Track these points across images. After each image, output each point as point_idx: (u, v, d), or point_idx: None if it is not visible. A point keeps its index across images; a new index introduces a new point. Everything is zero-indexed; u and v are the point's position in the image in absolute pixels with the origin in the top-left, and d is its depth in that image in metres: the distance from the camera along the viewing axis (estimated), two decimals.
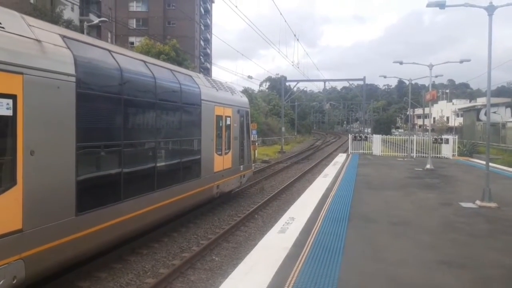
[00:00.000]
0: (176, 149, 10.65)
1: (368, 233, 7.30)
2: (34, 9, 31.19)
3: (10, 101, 5.48)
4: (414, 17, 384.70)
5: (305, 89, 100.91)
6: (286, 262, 5.56)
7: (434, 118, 76.91)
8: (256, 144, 31.43)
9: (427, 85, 24.46)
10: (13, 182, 5.52)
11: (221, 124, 13.44)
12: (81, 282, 7.35)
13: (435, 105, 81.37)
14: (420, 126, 70.82)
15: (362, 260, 5.87)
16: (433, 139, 24.39)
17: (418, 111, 76.92)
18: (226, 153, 13.85)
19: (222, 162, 13.40)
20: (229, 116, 14.20)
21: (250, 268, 5.35)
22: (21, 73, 5.62)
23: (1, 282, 5.29)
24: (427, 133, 25.14)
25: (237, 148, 15.02)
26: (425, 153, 23.49)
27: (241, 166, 15.42)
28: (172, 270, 7.93)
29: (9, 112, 5.47)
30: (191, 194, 11.02)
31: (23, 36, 5.90)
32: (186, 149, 11.21)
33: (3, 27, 5.63)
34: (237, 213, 13.43)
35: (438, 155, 24.34)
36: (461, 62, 21.85)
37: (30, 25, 6.25)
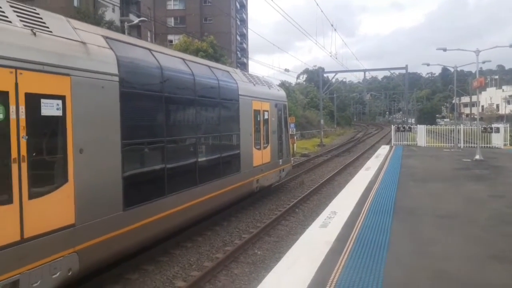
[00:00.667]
0: (216, 144, 10.80)
1: (414, 227, 7.07)
2: (78, 12, 32.60)
3: (60, 102, 5.76)
4: (457, 1, 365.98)
5: (344, 80, 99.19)
6: (329, 257, 5.49)
7: (482, 106, 73.13)
8: (295, 137, 31.26)
9: (473, 71, 23.27)
10: (64, 179, 5.81)
11: (259, 119, 13.46)
12: (130, 274, 7.64)
13: (483, 92, 77.26)
14: (467, 115, 67.57)
15: (408, 254, 5.69)
16: (482, 128, 23.20)
17: (465, 99, 73.35)
18: (264, 148, 13.87)
19: (261, 156, 13.44)
20: (267, 110, 14.19)
21: (292, 263, 5.33)
22: (69, 75, 5.89)
23: (58, 273, 5.60)
24: (475, 122, 23.95)
25: (276, 142, 15.00)
26: (474, 143, 22.40)
27: (280, 160, 15.40)
28: (216, 263, 8.08)
29: (59, 113, 5.76)
30: (232, 189, 11.14)
31: (69, 39, 6.17)
32: (225, 144, 11.34)
33: (50, 31, 5.91)
34: (277, 207, 13.44)
35: (488, 145, 23.13)
36: (511, 46, 20.59)
37: (75, 28, 6.52)
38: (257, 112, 13.27)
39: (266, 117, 14.12)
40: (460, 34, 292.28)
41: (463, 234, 6.65)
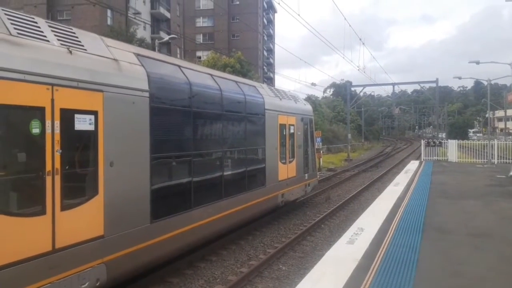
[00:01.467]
0: (242, 158, 10.87)
1: (445, 245, 6.84)
2: (111, 31, 33.89)
3: (92, 117, 5.98)
4: (490, 13, 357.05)
5: (372, 93, 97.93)
6: (355, 274, 5.39)
7: None
8: (321, 152, 31.02)
9: (508, 85, 22.53)
10: (95, 191, 5.99)
11: (284, 133, 13.47)
12: (155, 286, 7.72)
13: None
14: (501, 130, 65.15)
15: (438, 274, 5.51)
16: None
17: (499, 113, 70.88)
18: (290, 162, 13.83)
19: (286, 170, 13.40)
20: (293, 125, 14.19)
21: (318, 279, 5.26)
22: (101, 91, 6.12)
23: (86, 284, 5.74)
24: (510, 136, 23.05)
25: (301, 156, 14.93)
26: (508, 159, 21.55)
27: (306, 175, 15.29)
28: (240, 277, 8.05)
29: (92, 127, 5.97)
30: (257, 203, 11.14)
31: (102, 56, 6.43)
32: (251, 158, 11.39)
33: (85, 49, 6.18)
34: (302, 222, 13.31)
35: None
36: None
37: (108, 46, 6.79)
38: (283, 126, 13.30)
39: (292, 131, 14.12)
40: (493, 46, 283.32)
41: (498, 254, 6.38)
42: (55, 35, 5.87)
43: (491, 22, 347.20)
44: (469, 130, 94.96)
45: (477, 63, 23.84)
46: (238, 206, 10.06)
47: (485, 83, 27.80)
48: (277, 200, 12.66)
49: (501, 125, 68.96)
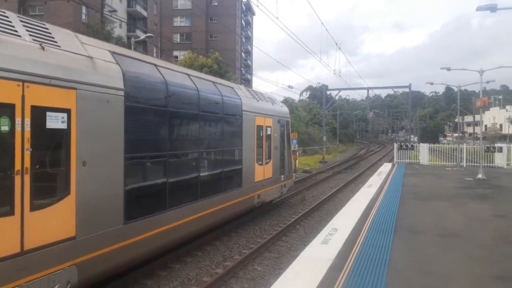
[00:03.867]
0: (218, 159, 10.83)
1: (416, 246, 7.03)
2: (88, 27, 33.17)
3: (65, 115, 5.83)
4: (460, 22, 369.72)
5: (347, 97, 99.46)
6: (329, 274, 5.47)
7: (485, 125, 73.07)
8: (297, 153, 31.28)
9: (477, 91, 23.36)
10: (67, 191, 5.84)
11: (261, 134, 13.53)
12: None
13: (486, 112, 77.32)
14: (470, 134, 67.44)
15: (409, 273, 5.65)
16: (485, 148, 23.16)
17: (468, 118, 73.38)
18: (266, 163, 13.89)
19: (263, 172, 13.45)
20: (270, 126, 14.27)
21: (292, 279, 5.31)
22: (75, 88, 5.98)
23: (57, 286, 5.58)
24: (478, 141, 23.92)
25: (278, 158, 15.03)
26: (477, 163, 22.33)
27: (282, 176, 15.40)
28: (215, 278, 8.02)
29: (64, 126, 5.82)
30: (233, 204, 11.13)
31: (76, 53, 6.28)
32: (227, 159, 11.37)
33: (59, 46, 6.03)
34: (278, 223, 13.38)
35: (490, 165, 23.05)
36: None
37: (82, 43, 6.65)
38: (260, 128, 13.34)
39: (268, 132, 14.19)
40: (463, 54, 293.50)
41: (466, 254, 6.61)
42: (27, 31, 5.70)
43: (461, 31, 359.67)
44: (440, 134, 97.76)
45: (448, 69, 24.60)
46: (215, 207, 10.02)
47: (456, 89, 28.71)
48: (253, 201, 12.68)
49: (470, 130, 71.37)
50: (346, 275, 5.44)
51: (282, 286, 5.10)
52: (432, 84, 37.46)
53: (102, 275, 6.68)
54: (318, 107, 70.54)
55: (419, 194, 12.94)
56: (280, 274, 5.81)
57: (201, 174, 9.67)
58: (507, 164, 23.07)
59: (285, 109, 16.81)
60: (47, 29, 6.12)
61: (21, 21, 5.79)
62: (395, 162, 25.50)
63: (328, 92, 54.81)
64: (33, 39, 5.65)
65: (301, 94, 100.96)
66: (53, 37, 6.05)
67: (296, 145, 30.21)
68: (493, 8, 11.75)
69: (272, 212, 14.91)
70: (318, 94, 79.85)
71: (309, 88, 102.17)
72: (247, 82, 74.92)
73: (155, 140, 8.08)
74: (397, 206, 10.58)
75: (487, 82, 31.44)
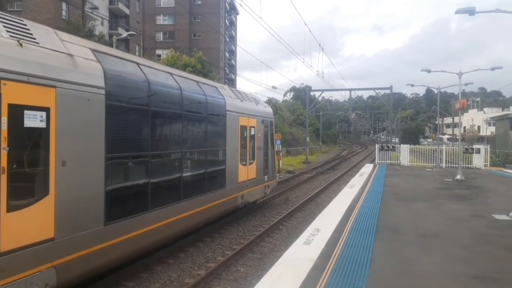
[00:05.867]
0: (202, 160, 10.76)
1: (396, 246, 7.12)
2: (69, 24, 32.51)
3: (44, 114, 5.69)
4: (439, 25, 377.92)
5: (330, 98, 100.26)
6: (311, 274, 5.49)
7: (464, 127, 74.72)
8: (281, 154, 31.38)
9: (456, 93, 23.87)
10: (45, 192, 5.71)
11: (245, 135, 13.51)
12: None
13: (465, 114, 79.08)
14: (449, 136, 68.89)
15: (390, 273, 5.72)
16: (464, 149, 23.67)
17: (448, 120, 74.93)
18: (250, 163, 13.88)
19: (246, 172, 13.44)
20: (253, 127, 14.26)
21: (275, 280, 5.31)
22: (54, 86, 5.85)
23: None
24: (457, 142, 24.44)
25: (262, 158, 15.03)
26: (455, 164, 22.81)
27: (266, 177, 15.41)
28: (197, 280, 7.96)
29: (43, 124, 5.69)
30: (216, 204, 11.07)
31: (56, 50, 6.15)
32: (211, 159, 11.31)
33: (37, 43, 5.88)
34: (261, 223, 13.38)
35: (469, 166, 23.57)
36: (493, 69, 21.28)
37: (62, 40, 6.51)
38: (243, 128, 13.32)
39: (252, 133, 14.18)
40: (442, 56, 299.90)
41: (445, 253, 6.72)
42: (4, 26, 5.55)
43: (440, 34, 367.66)
44: (421, 135, 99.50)
45: (428, 71, 25.06)
46: (198, 208, 9.95)
47: (436, 91, 29.27)
48: (236, 201, 12.65)
49: (449, 131, 72.91)
50: (328, 276, 5.47)
51: (265, 287, 5.10)
52: (413, 85, 38.07)
53: (82, 277, 6.55)
54: (302, 107, 70.90)
55: (400, 194, 13.13)
56: (263, 275, 5.80)
57: (184, 174, 9.59)
58: (485, 165, 23.63)
59: (269, 110, 16.84)
60: (25, 25, 5.97)
61: None
62: (376, 163, 25.82)
63: (311, 93, 55.12)
64: (11, 36, 5.50)
65: (285, 95, 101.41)
66: (31, 34, 5.91)
67: (280, 146, 30.31)
68: (471, 11, 12.00)
69: (255, 212, 14.90)
70: (301, 95, 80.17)
71: (293, 89, 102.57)
72: (231, 82, 74.77)
73: (136, 140, 7.97)
74: (379, 206, 10.71)
75: (466, 84, 32.10)
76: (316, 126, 75.36)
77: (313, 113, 63.60)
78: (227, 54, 77.27)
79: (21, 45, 5.52)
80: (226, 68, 74.76)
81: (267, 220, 13.84)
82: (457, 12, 12.25)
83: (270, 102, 57.47)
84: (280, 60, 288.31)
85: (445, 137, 77.17)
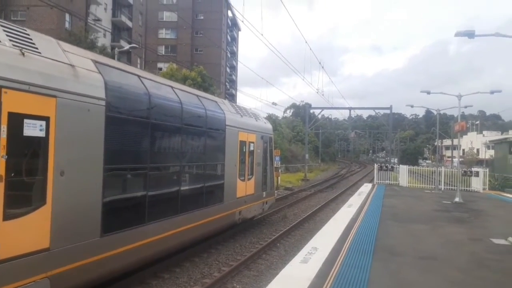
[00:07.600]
0: (200, 174, 10.72)
1: (394, 267, 7.04)
2: (71, 35, 32.81)
3: (44, 123, 5.68)
4: (438, 47, 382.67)
5: (329, 116, 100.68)
6: None
7: (463, 149, 74.87)
8: (279, 170, 31.32)
9: (456, 115, 23.99)
10: (42, 201, 5.65)
11: (244, 150, 13.49)
12: None
13: (464, 136, 79.27)
14: (448, 158, 68.96)
15: None
16: (463, 172, 23.63)
17: (447, 142, 75.12)
18: (249, 179, 13.82)
19: (244, 188, 13.37)
20: (253, 142, 14.25)
21: None
22: (55, 96, 5.85)
23: None
24: (455, 164, 24.42)
25: (260, 174, 14.98)
26: (454, 186, 22.74)
27: (264, 193, 15.33)
28: None
29: (42, 134, 5.67)
30: (214, 219, 10.98)
31: (57, 60, 6.18)
32: (209, 174, 11.26)
33: (39, 52, 5.92)
34: (259, 240, 13.25)
35: (467, 188, 23.50)
36: (492, 93, 21.45)
37: (64, 51, 6.55)
38: (243, 143, 13.31)
39: (251, 148, 14.16)
40: (440, 78, 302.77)
41: (443, 276, 6.64)
42: (7, 35, 5.59)
43: (439, 56, 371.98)
44: (419, 157, 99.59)
45: (428, 93, 25.27)
46: (195, 222, 9.86)
47: (435, 112, 29.42)
48: (234, 217, 12.55)
49: (448, 153, 72.97)
50: None
51: None
52: (412, 106, 38.38)
53: None
54: (301, 125, 71.13)
55: (398, 215, 13.05)
56: None
57: (182, 188, 9.53)
58: (483, 189, 23.56)
59: (268, 126, 16.86)
60: (28, 35, 6.02)
61: (1, 25, 5.68)
62: (375, 183, 25.75)
63: (311, 111, 55.44)
64: (13, 45, 5.53)
65: (285, 112, 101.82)
66: (34, 43, 5.94)
67: (279, 162, 30.29)
68: (471, 34, 12.13)
69: (253, 229, 14.77)
70: (301, 112, 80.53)
71: (293, 105, 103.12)
72: (232, 97, 75.16)
73: (135, 152, 7.94)
74: (377, 227, 10.63)
75: (465, 107, 32.42)
76: (316, 143, 75.50)
77: (312, 131, 63.81)
78: (228, 70, 77.88)
79: (23, 54, 5.54)
80: (227, 83, 75.25)
81: (264, 237, 13.71)
82: (457, 34, 12.39)
83: (270, 118, 57.68)
84: (280, 77, 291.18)
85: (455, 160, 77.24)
